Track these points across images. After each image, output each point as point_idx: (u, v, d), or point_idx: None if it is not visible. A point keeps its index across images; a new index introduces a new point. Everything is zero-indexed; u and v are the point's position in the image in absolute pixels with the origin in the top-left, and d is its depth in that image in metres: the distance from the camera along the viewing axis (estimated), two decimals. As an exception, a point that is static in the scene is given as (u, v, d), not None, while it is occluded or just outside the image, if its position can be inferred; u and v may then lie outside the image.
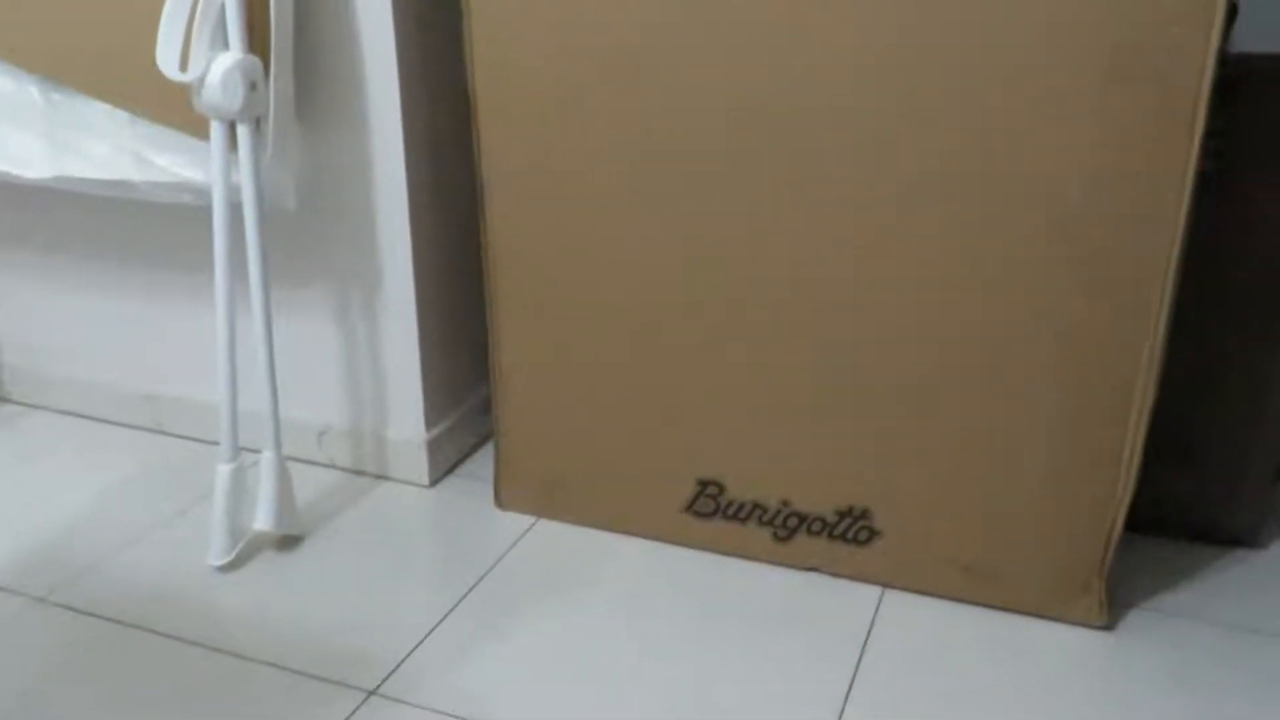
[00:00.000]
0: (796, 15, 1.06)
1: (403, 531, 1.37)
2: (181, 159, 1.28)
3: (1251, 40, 1.19)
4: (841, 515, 1.24)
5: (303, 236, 1.41)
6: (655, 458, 1.30)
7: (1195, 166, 0.99)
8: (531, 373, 1.33)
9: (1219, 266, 1.20)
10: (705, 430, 1.27)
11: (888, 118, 1.07)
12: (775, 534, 1.27)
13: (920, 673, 1.11)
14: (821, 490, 1.24)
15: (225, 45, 1.17)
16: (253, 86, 1.18)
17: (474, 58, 1.20)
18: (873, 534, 1.23)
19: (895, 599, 1.23)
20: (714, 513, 1.30)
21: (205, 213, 1.34)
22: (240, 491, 1.29)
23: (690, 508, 1.31)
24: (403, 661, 1.13)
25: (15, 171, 1.36)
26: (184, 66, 1.15)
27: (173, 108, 1.23)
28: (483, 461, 1.53)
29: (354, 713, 1.06)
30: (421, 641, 1.16)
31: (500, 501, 1.42)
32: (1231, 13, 1.11)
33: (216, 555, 1.28)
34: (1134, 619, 1.19)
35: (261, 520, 1.31)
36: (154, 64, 1.14)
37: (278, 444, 1.31)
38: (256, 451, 1.32)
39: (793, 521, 1.26)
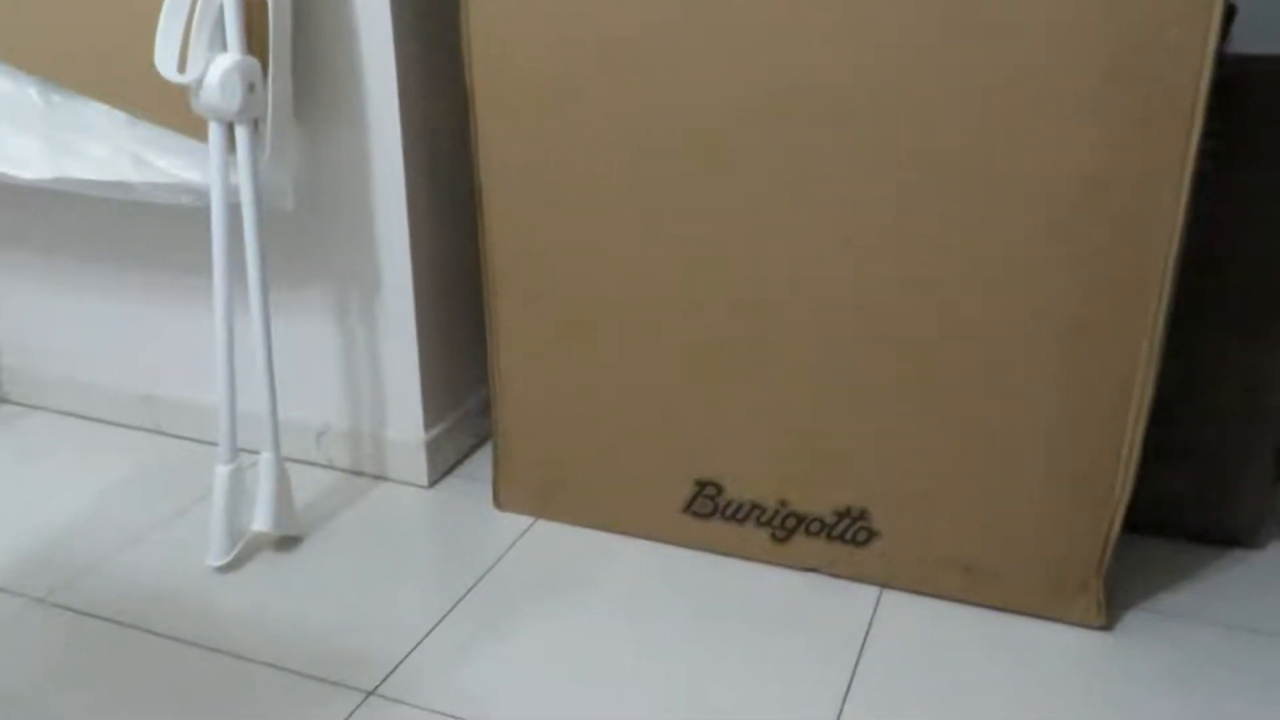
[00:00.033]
0: (797, 15, 1.06)
1: (401, 532, 1.37)
2: (180, 160, 1.29)
3: (1249, 42, 1.19)
4: (840, 516, 1.24)
5: (301, 237, 1.41)
6: (654, 458, 1.30)
7: (1194, 166, 0.99)
8: (530, 374, 1.33)
9: (1216, 267, 1.20)
10: (703, 430, 1.27)
11: (888, 118, 1.07)
12: (773, 534, 1.28)
13: (918, 673, 1.11)
14: (820, 491, 1.24)
15: (223, 46, 1.17)
16: (251, 88, 1.18)
17: (472, 56, 1.20)
18: (871, 534, 1.23)
19: (893, 599, 1.23)
20: (712, 513, 1.30)
21: (204, 214, 1.34)
22: (239, 492, 1.29)
23: (689, 508, 1.31)
24: (401, 662, 1.13)
25: (14, 173, 1.36)
26: (182, 68, 1.15)
27: (171, 109, 1.23)
28: (481, 462, 1.53)
29: (352, 713, 1.06)
30: (420, 642, 1.16)
31: (499, 502, 1.42)
32: (1229, 14, 1.12)
33: (215, 556, 1.28)
34: (1132, 619, 1.19)
35: (260, 521, 1.31)
36: (152, 65, 1.14)
37: (276, 445, 1.31)
38: (255, 452, 1.32)
39: (791, 522, 1.26)
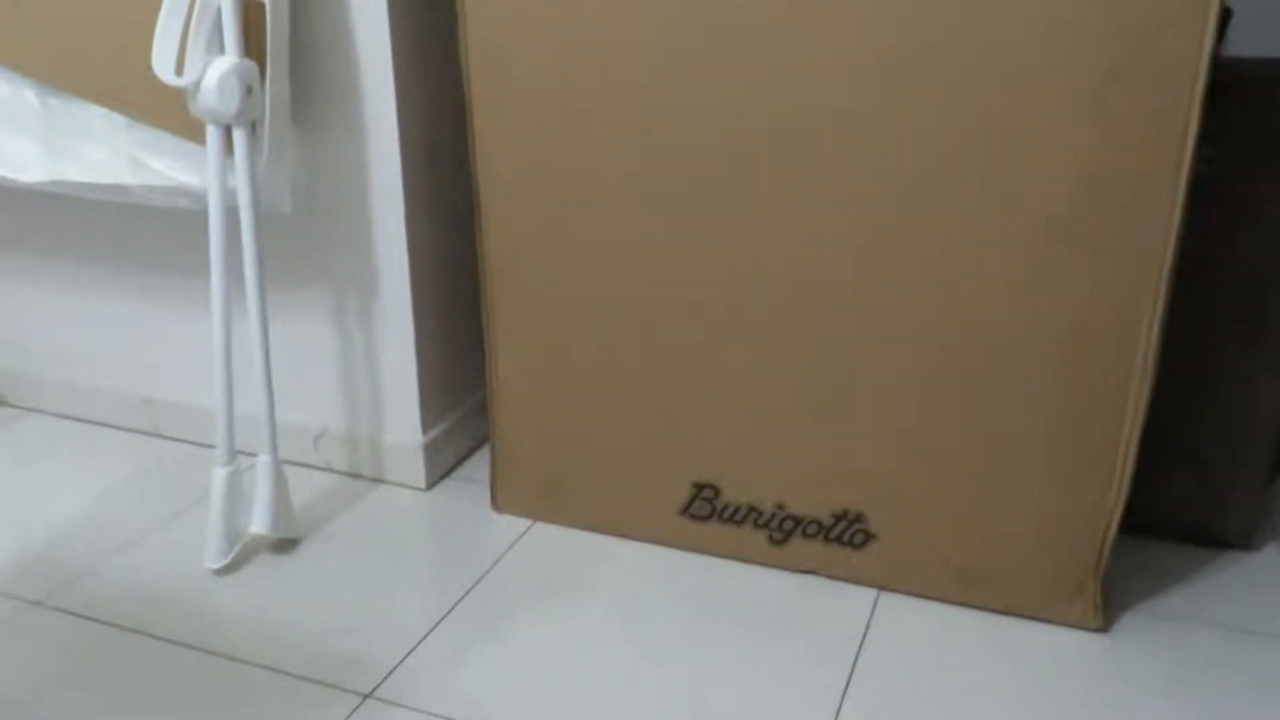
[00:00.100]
0: (796, 15, 1.06)
1: (399, 535, 1.37)
2: (177, 163, 1.29)
3: (1244, 45, 1.20)
4: (837, 518, 1.24)
5: (299, 240, 1.41)
6: (651, 461, 1.30)
7: (1189, 167, 0.99)
8: (528, 376, 1.33)
9: (1211, 271, 1.20)
10: (701, 433, 1.27)
11: (888, 118, 1.07)
12: (771, 537, 1.28)
13: (915, 675, 1.11)
14: (817, 493, 1.24)
15: (221, 49, 1.17)
16: (249, 90, 1.18)
17: (469, 59, 1.20)
18: (868, 537, 1.23)
19: (891, 602, 1.23)
20: (710, 516, 1.30)
21: (201, 217, 1.34)
22: (236, 495, 1.29)
23: (686, 510, 1.31)
24: (399, 665, 1.13)
25: (12, 175, 1.36)
26: (180, 71, 1.15)
27: (169, 112, 1.24)
28: (479, 465, 1.53)
29: (350, 716, 1.06)
30: (418, 645, 1.16)
31: (497, 504, 1.42)
32: (1224, 17, 1.12)
33: (213, 559, 1.28)
34: (1129, 621, 1.19)
35: (258, 524, 1.31)
36: (150, 68, 1.14)
37: (274, 447, 1.31)
38: (253, 455, 1.32)
39: (788, 524, 1.26)
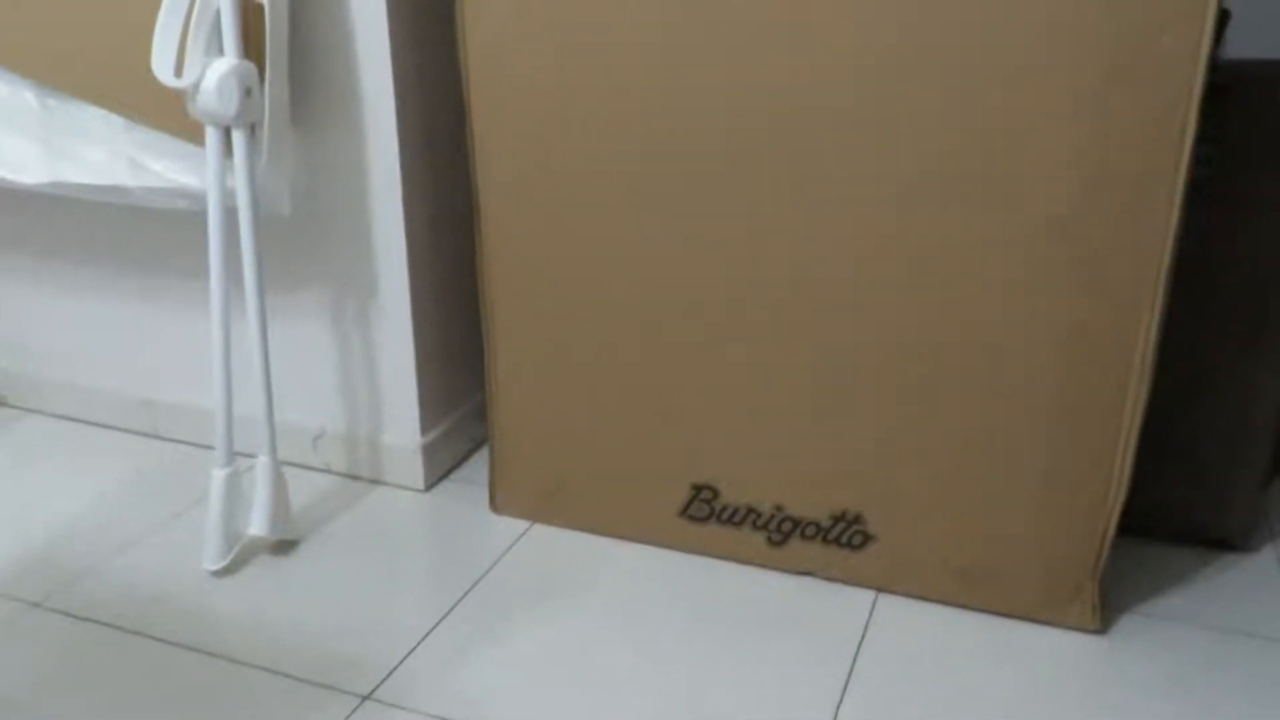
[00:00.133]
0: (796, 15, 1.06)
1: (398, 536, 1.37)
2: (177, 164, 1.29)
3: (1242, 46, 1.20)
4: (835, 520, 1.24)
5: (298, 241, 1.41)
6: (650, 462, 1.31)
7: (1188, 167, 0.99)
8: (527, 378, 1.33)
9: (1209, 272, 1.21)
10: (700, 434, 1.27)
11: (888, 118, 1.07)
12: (769, 538, 1.28)
13: (914, 677, 1.11)
14: (815, 495, 1.24)
15: (220, 51, 1.17)
16: (248, 92, 1.18)
17: (469, 60, 1.20)
18: (866, 538, 1.23)
19: (889, 603, 1.23)
20: (708, 517, 1.30)
21: (201, 218, 1.34)
22: (235, 496, 1.29)
23: (685, 512, 1.31)
24: (397, 666, 1.13)
25: (11, 177, 1.36)
26: (179, 72, 1.15)
27: (168, 113, 1.24)
28: (478, 466, 1.53)
29: (349, 717, 1.06)
30: (416, 646, 1.16)
31: (495, 506, 1.42)
32: (1223, 19, 1.12)
33: (211, 560, 1.28)
34: (1126, 623, 1.19)
35: (256, 525, 1.31)
36: (149, 70, 1.14)
37: (273, 449, 1.31)
38: (252, 456, 1.32)
39: (787, 526, 1.26)
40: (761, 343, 1.20)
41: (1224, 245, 1.20)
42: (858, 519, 1.23)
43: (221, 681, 1.11)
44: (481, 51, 1.20)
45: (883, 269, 1.12)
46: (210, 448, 1.54)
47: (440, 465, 1.51)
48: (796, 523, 1.26)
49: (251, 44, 1.19)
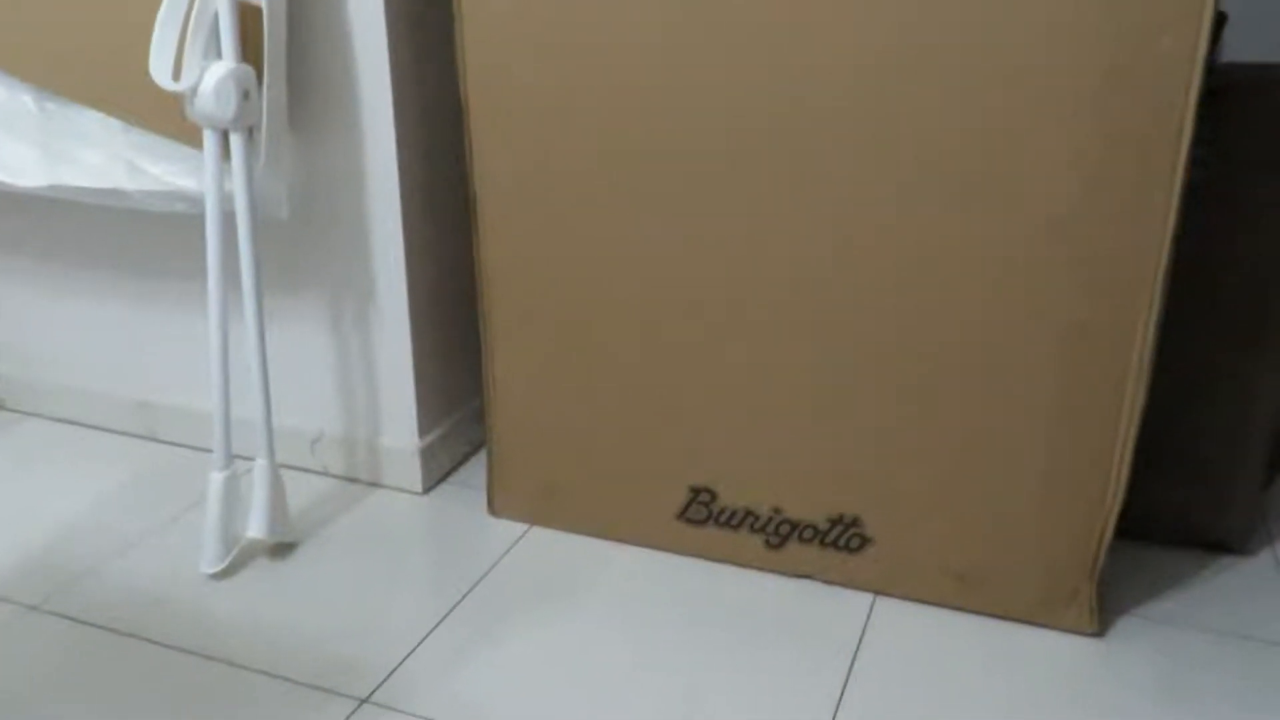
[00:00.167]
0: (796, 15, 1.06)
1: (396, 539, 1.37)
2: (175, 168, 1.29)
3: (1239, 50, 1.20)
4: (833, 523, 1.24)
5: (296, 244, 1.41)
6: (648, 464, 1.31)
7: (1185, 169, 0.99)
8: (524, 380, 1.33)
9: (1207, 274, 1.21)
10: (698, 436, 1.27)
11: (888, 118, 1.07)
12: (767, 541, 1.28)
13: (911, 680, 1.12)
14: (813, 497, 1.24)
15: (218, 54, 1.17)
16: (246, 95, 1.18)
17: (466, 65, 1.21)
18: (864, 541, 1.24)
19: (887, 606, 1.23)
20: (706, 520, 1.30)
21: (199, 221, 1.34)
22: (233, 499, 1.29)
23: (683, 515, 1.31)
24: (395, 669, 1.13)
25: (9, 180, 1.36)
26: (177, 76, 1.15)
27: (166, 117, 1.24)
28: (476, 469, 1.53)
29: (346, 720, 1.06)
30: (414, 649, 1.16)
31: (493, 509, 1.42)
32: (1219, 21, 1.12)
33: (209, 563, 1.28)
34: (1124, 625, 1.19)
35: (254, 528, 1.31)
36: (147, 73, 1.14)
37: (271, 451, 1.31)
38: (250, 459, 1.32)
39: (784, 529, 1.27)
40: (761, 343, 1.20)
41: (1223, 247, 1.20)
42: (855, 522, 1.23)
43: (220, 684, 1.11)
44: (479, 52, 1.20)
45: (883, 269, 1.12)
46: (208, 450, 1.54)
47: (438, 468, 1.51)
48: (794, 525, 1.26)
49: (249, 47, 1.19)
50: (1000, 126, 1.03)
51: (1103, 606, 1.19)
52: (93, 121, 1.31)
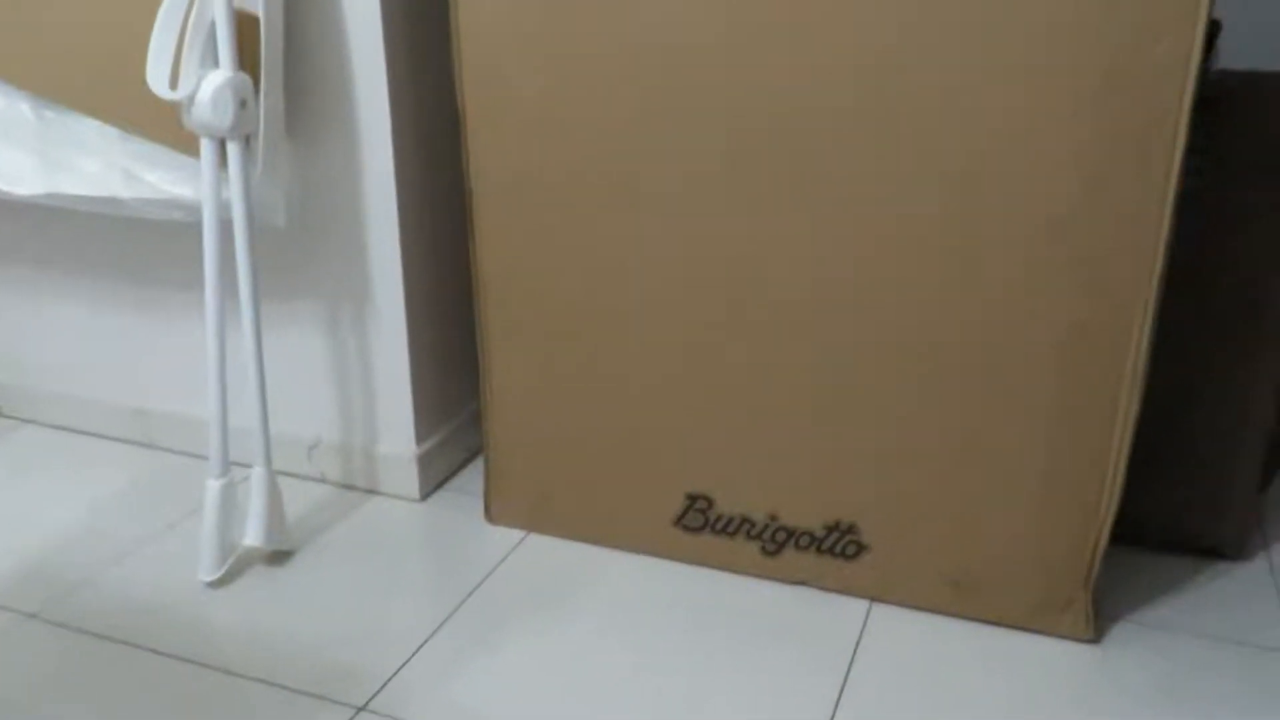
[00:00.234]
0: (796, 15, 1.06)
1: (393, 546, 1.38)
2: (171, 176, 1.29)
3: (1233, 58, 1.21)
4: (829, 530, 1.24)
5: (293, 252, 1.41)
6: (645, 472, 1.31)
7: (1179, 172, 1.00)
8: (522, 387, 1.33)
9: (1201, 279, 1.21)
10: (695, 444, 1.27)
11: (888, 118, 1.07)
12: (764, 548, 1.28)
13: (908, 686, 1.12)
14: (809, 505, 1.24)
15: (215, 63, 1.17)
16: (243, 104, 1.19)
17: (462, 70, 1.21)
18: (860, 548, 1.24)
19: (883, 612, 1.23)
20: (703, 527, 1.30)
21: (196, 229, 1.35)
22: (230, 507, 1.29)
23: (679, 522, 1.31)
24: (392, 677, 1.13)
25: (7, 188, 1.37)
26: (174, 84, 1.16)
27: (164, 125, 1.24)
28: (473, 476, 1.53)
29: (344, 728, 1.06)
30: (411, 656, 1.16)
31: (490, 516, 1.42)
32: (1214, 29, 1.13)
33: (207, 571, 1.28)
34: (1120, 631, 1.20)
35: (252, 535, 1.31)
36: (145, 82, 1.15)
37: (268, 459, 1.31)
38: (247, 466, 1.32)
39: (781, 536, 1.27)
40: (759, 346, 1.20)
41: (1217, 252, 1.20)
42: (851, 529, 1.23)
43: (217, 692, 1.11)
44: (475, 57, 1.20)
45: (883, 269, 1.12)
46: (205, 457, 1.54)
47: (435, 475, 1.51)
48: (791, 533, 1.26)
49: (246, 56, 1.20)
50: (1000, 126, 1.04)
51: (1098, 613, 1.19)
52: (90, 129, 1.31)
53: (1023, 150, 1.04)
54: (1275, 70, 1.16)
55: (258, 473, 1.31)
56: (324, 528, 1.41)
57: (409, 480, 1.47)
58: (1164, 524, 1.32)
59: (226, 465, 1.29)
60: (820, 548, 1.25)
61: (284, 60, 1.27)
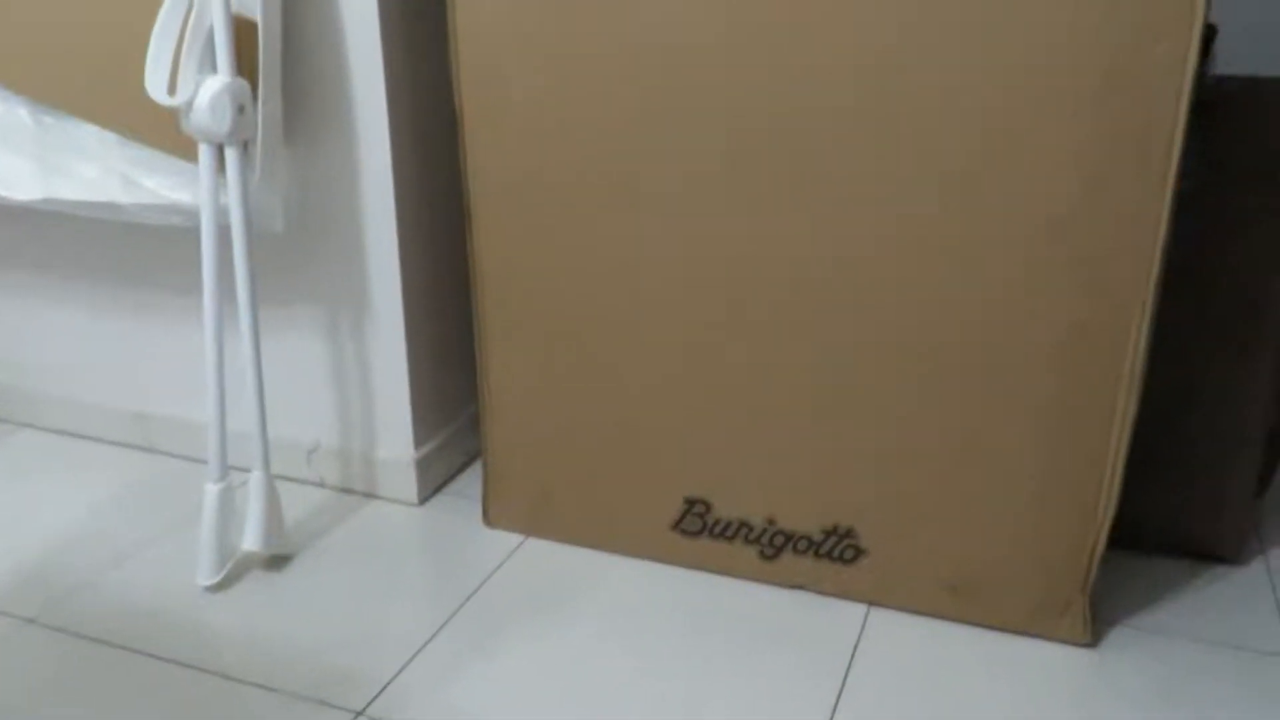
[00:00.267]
0: (796, 15, 1.07)
1: (391, 550, 1.38)
2: (169, 181, 1.29)
3: (1229, 64, 1.21)
4: (827, 534, 1.24)
5: (291, 256, 1.41)
6: (643, 476, 1.31)
7: (1175, 175, 1.00)
8: (520, 391, 1.33)
9: (1200, 284, 1.21)
10: (693, 447, 1.27)
11: (887, 118, 1.07)
12: (762, 552, 1.28)
13: (905, 690, 1.12)
14: (807, 508, 1.24)
15: (213, 69, 1.17)
16: (241, 110, 1.19)
17: (460, 74, 1.21)
18: (858, 552, 1.24)
19: (881, 617, 1.23)
20: (701, 531, 1.30)
21: (194, 234, 1.35)
22: (229, 511, 1.29)
23: (678, 526, 1.31)
24: (391, 681, 1.13)
25: (5, 193, 1.37)
26: (172, 90, 1.16)
27: (162, 130, 1.24)
28: (471, 480, 1.53)
29: (342, 733, 1.07)
30: (410, 661, 1.16)
31: (489, 520, 1.42)
32: (1210, 34, 1.13)
33: (205, 575, 1.28)
34: (1117, 636, 1.20)
35: (250, 540, 1.31)
36: (143, 87, 1.15)
37: (266, 463, 1.31)
38: (245, 470, 1.32)
39: (779, 540, 1.27)
40: (758, 348, 1.20)
41: (1214, 256, 1.20)
42: (849, 533, 1.24)
43: (215, 697, 1.11)
44: (473, 58, 1.20)
45: (882, 269, 1.12)
46: (204, 461, 1.54)
47: (434, 479, 1.51)
48: (789, 537, 1.26)
49: (244, 61, 1.20)
50: (1000, 126, 1.04)
51: (1095, 617, 1.19)
52: (89, 135, 1.31)
53: (1023, 150, 1.04)
54: (1274, 76, 1.16)
55: (256, 477, 1.31)
56: (322, 532, 1.41)
57: (407, 484, 1.47)
58: (1161, 526, 1.32)
59: (225, 469, 1.29)
60: (818, 552, 1.25)
61: (282, 65, 1.27)
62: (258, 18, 1.20)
